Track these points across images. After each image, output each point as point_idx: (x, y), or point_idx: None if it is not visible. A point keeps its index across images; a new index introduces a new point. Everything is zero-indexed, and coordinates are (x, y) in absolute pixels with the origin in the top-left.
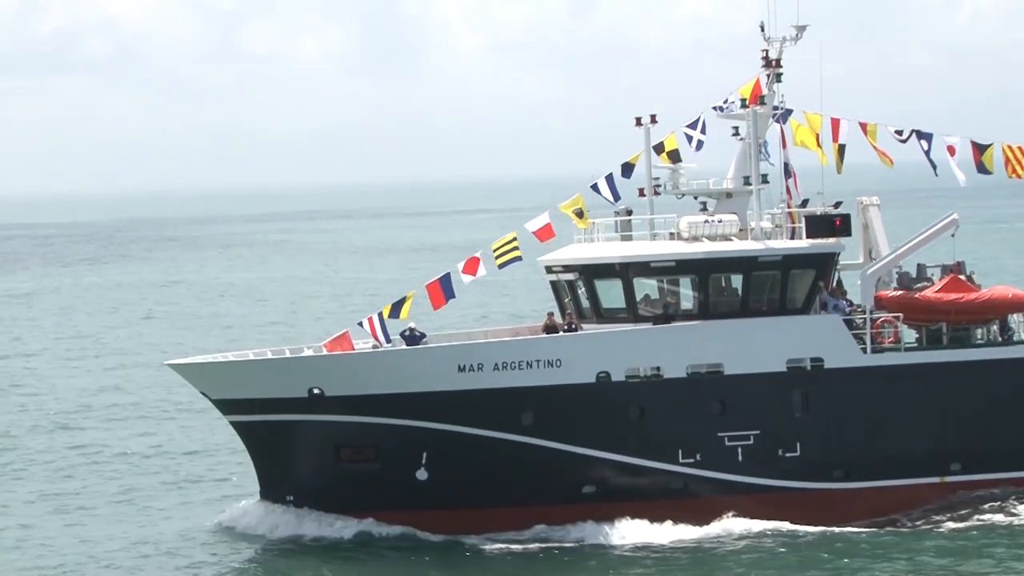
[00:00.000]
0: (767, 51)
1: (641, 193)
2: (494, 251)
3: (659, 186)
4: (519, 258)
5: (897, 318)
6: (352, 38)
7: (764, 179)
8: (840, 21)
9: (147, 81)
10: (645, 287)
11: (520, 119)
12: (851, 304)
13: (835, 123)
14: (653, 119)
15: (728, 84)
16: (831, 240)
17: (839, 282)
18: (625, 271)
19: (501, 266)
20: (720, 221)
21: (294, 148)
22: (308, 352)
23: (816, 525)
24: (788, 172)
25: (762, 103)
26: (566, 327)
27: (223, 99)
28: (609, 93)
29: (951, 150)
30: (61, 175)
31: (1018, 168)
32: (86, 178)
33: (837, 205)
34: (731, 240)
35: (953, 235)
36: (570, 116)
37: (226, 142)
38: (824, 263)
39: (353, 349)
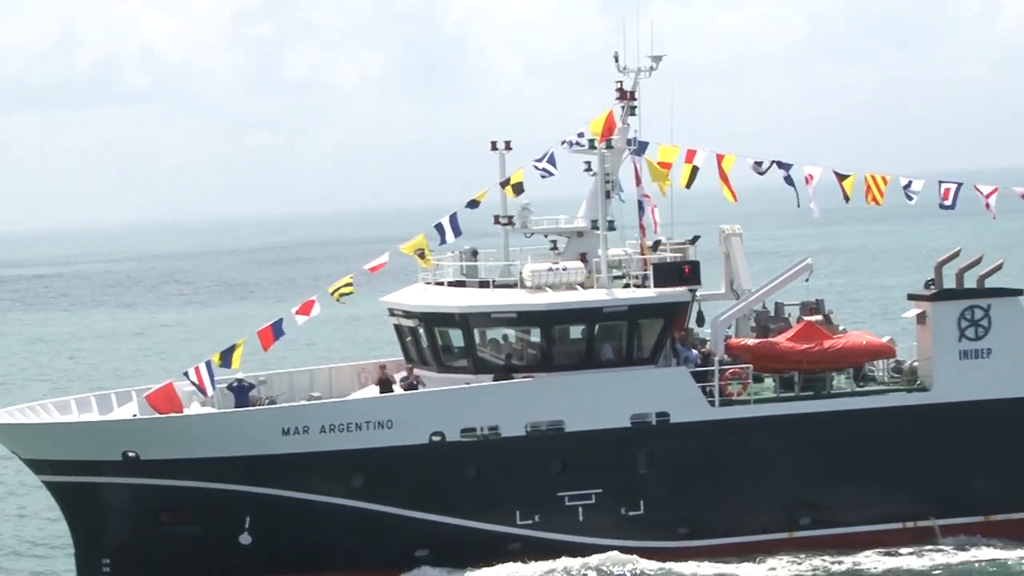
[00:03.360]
0: (621, 83)
1: (496, 221)
2: (331, 292)
3: (507, 223)
4: (351, 293)
5: (747, 369)
6: (390, 62)
7: (611, 225)
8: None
9: (188, 111)
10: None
11: (557, 138)
12: (702, 351)
13: (690, 155)
14: (508, 145)
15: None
16: (680, 288)
17: (689, 331)
18: (465, 321)
19: (338, 299)
20: (565, 269)
21: (335, 172)
22: (131, 403)
23: None
24: (642, 208)
25: (609, 147)
26: (405, 383)
27: (264, 127)
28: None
29: (809, 179)
30: (104, 206)
31: (877, 195)
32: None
33: (694, 240)
34: (576, 289)
35: (807, 280)
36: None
37: (266, 169)
38: (673, 312)
39: (177, 400)
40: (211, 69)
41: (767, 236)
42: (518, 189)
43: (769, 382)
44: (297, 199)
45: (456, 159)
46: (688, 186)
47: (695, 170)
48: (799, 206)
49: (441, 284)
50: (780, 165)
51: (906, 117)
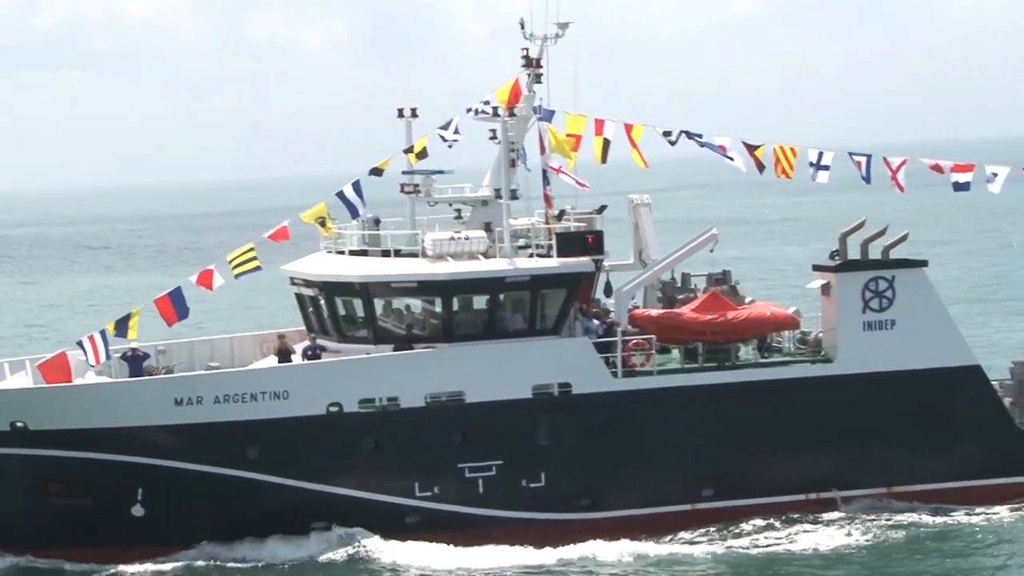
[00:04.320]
0: (527, 50)
1: (402, 189)
2: (230, 262)
3: (412, 192)
4: (258, 268)
5: (650, 339)
6: (355, 27)
7: (514, 194)
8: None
9: (150, 73)
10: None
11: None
12: (607, 322)
13: (599, 124)
14: (414, 113)
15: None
16: (583, 259)
17: (595, 301)
18: (365, 290)
19: (238, 276)
20: (467, 239)
21: (298, 136)
22: (23, 373)
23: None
24: (547, 177)
25: (511, 115)
26: (309, 351)
27: (227, 90)
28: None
29: (723, 148)
30: (63, 169)
31: (787, 168)
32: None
33: (601, 210)
34: (478, 258)
35: (712, 250)
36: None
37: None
38: (576, 282)
39: (69, 370)
40: (174, 33)
41: (701, 206)
42: (422, 156)
43: (676, 354)
44: (259, 164)
45: (420, 125)
46: (603, 160)
47: (607, 144)
48: (731, 160)
49: (343, 253)
50: (689, 135)
51: (872, 89)
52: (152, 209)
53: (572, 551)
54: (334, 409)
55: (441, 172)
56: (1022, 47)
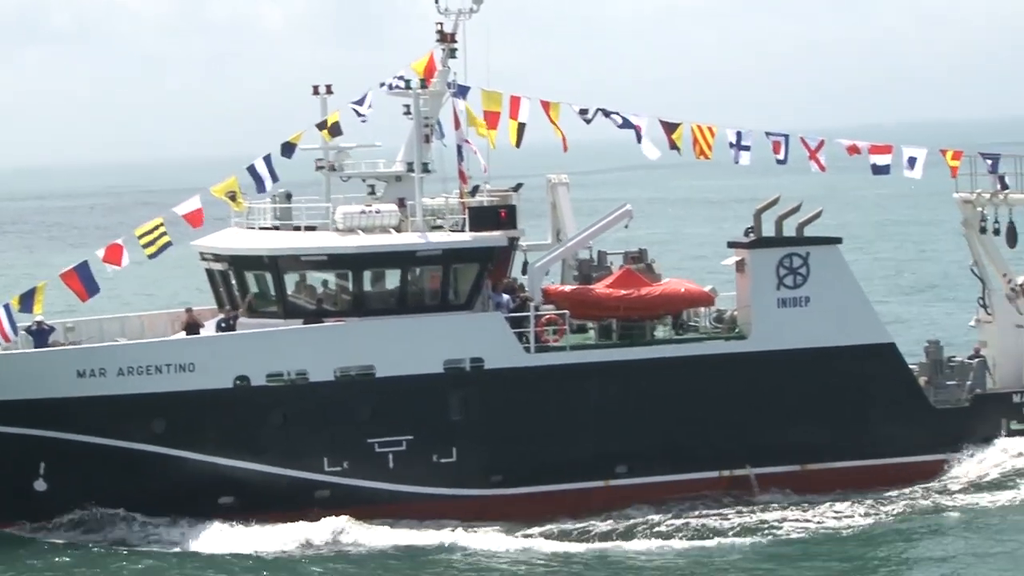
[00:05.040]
0: (441, 24)
1: (317, 166)
2: (138, 237)
3: (323, 167)
4: (169, 244)
5: (563, 315)
6: (316, 6)
7: (426, 168)
8: None
9: (111, 52)
10: (316, 277)
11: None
12: (523, 297)
13: (515, 101)
14: (328, 89)
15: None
16: (496, 233)
17: (512, 280)
18: (274, 264)
19: (151, 256)
20: (378, 212)
21: (261, 115)
22: None
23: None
24: (461, 153)
25: (422, 85)
26: (223, 323)
27: (188, 69)
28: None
29: (638, 128)
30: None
31: (705, 148)
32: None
33: (517, 187)
34: (390, 232)
35: (627, 226)
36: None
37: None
38: (489, 257)
39: None
40: (135, 11)
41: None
42: (335, 131)
43: (594, 334)
44: (220, 141)
45: (382, 107)
46: (518, 144)
47: (522, 127)
48: (639, 141)
49: (254, 229)
50: (606, 114)
51: (830, 71)
52: (104, 185)
53: (484, 527)
54: (241, 382)
55: (375, 146)
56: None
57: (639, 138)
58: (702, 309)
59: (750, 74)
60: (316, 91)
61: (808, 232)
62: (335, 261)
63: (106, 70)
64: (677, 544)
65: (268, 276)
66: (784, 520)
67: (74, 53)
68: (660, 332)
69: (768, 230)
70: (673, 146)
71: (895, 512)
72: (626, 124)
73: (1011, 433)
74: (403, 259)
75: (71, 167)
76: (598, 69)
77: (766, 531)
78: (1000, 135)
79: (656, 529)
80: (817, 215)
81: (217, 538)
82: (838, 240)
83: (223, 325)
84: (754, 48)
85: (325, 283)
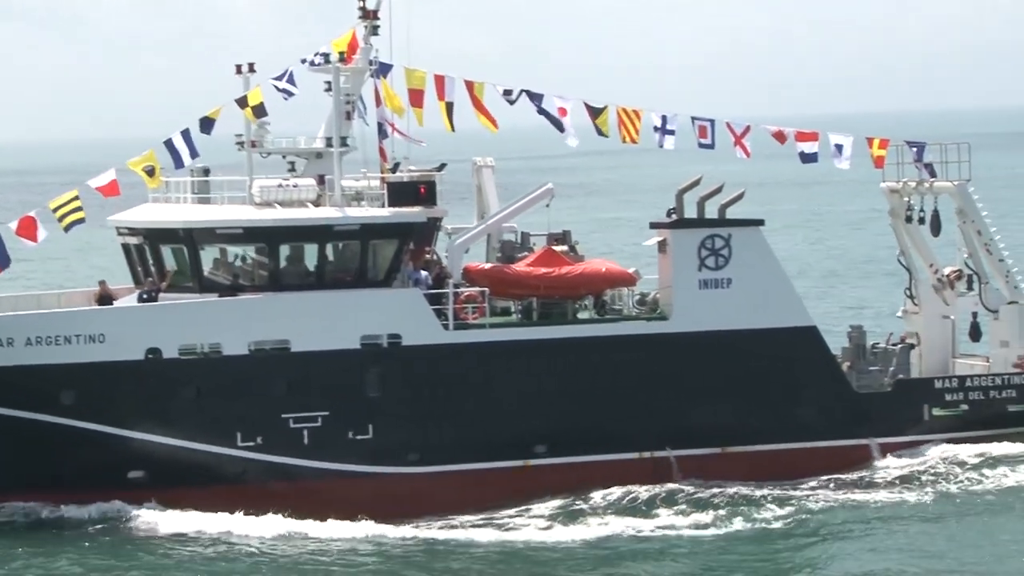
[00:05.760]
0: (364, 2)
1: (238, 142)
2: (53, 210)
3: (243, 143)
4: (83, 219)
5: (483, 292)
6: None
7: (344, 142)
8: None
9: (78, 32)
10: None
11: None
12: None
13: (439, 80)
14: (251, 68)
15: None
16: (415, 209)
17: (435, 258)
18: (189, 237)
19: (66, 228)
20: (295, 186)
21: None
22: None
23: (390, 512)
24: (384, 132)
25: (341, 59)
26: (144, 294)
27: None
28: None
29: (562, 112)
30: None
31: (631, 132)
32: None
33: (441, 167)
34: (307, 207)
35: (548, 205)
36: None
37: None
38: (408, 233)
39: None
40: None
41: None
42: (259, 112)
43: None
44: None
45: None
46: (452, 129)
47: (450, 107)
48: (561, 131)
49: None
50: (530, 95)
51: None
52: (69, 163)
53: (400, 504)
54: (152, 355)
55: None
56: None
57: (561, 127)
58: (625, 291)
59: (726, 62)
60: (239, 70)
61: (730, 214)
62: (251, 234)
63: (75, 49)
64: (590, 534)
65: (178, 249)
66: (702, 505)
67: (43, 32)
68: (585, 315)
69: (691, 211)
70: (598, 132)
71: (813, 497)
72: (542, 112)
73: (933, 419)
74: (320, 233)
75: (41, 144)
76: (571, 57)
77: (688, 512)
78: (972, 127)
79: (573, 517)
80: (739, 196)
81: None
82: (760, 222)
83: (144, 297)
84: (729, 35)
85: (243, 259)
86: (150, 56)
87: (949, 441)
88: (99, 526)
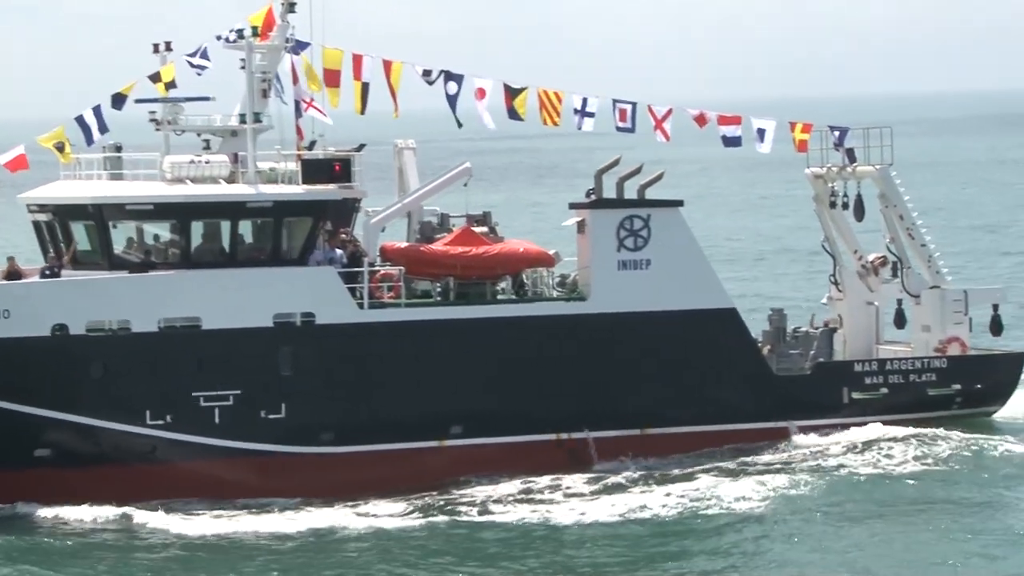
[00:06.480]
0: None
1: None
2: None
3: (157, 121)
4: None
5: (399, 271)
6: None
7: (257, 118)
8: None
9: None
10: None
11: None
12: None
13: (356, 60)
14: (168, 46)
15: None
16: (330, 186)
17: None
18: (99, 213)
19: None
20: (208, 162)
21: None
22: None
23: (304, 491)
24: (300, 110)
25: (254, 34)
26: (47, 270)
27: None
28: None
29: (481, 93)
30: None
31: (552, 114)
32: None
33: (361, 148)
34: (220, 183)
35: (466, 184)
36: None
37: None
38: (322, 210)
39: None
40: None
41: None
42: (171, 87)
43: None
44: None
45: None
46: (362, 111)
47: (365, 88)
48: (460, 127)
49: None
50: (449, 76)
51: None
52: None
53: (313, 485)
54: (59, 332)
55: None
56: None
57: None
58: (545, 272)
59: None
60: (156, 49)
61: (650, 195)
62: (161, 210)
63: (35, 27)
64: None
65: (88, 225)
66: (618, 488)
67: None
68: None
69: (610, 192)
70: (513, 113)
71: (730, 479)
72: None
73: (852, 402)
74: (233, 210)
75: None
76: (524, 43)
77: (602, 495)
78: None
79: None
80: (659, 177)
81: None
82: (680, 203)
83: (46, 273)
84: (678, 22)
85: (157, 237)
86: (111, 34)
87: (868, 424)
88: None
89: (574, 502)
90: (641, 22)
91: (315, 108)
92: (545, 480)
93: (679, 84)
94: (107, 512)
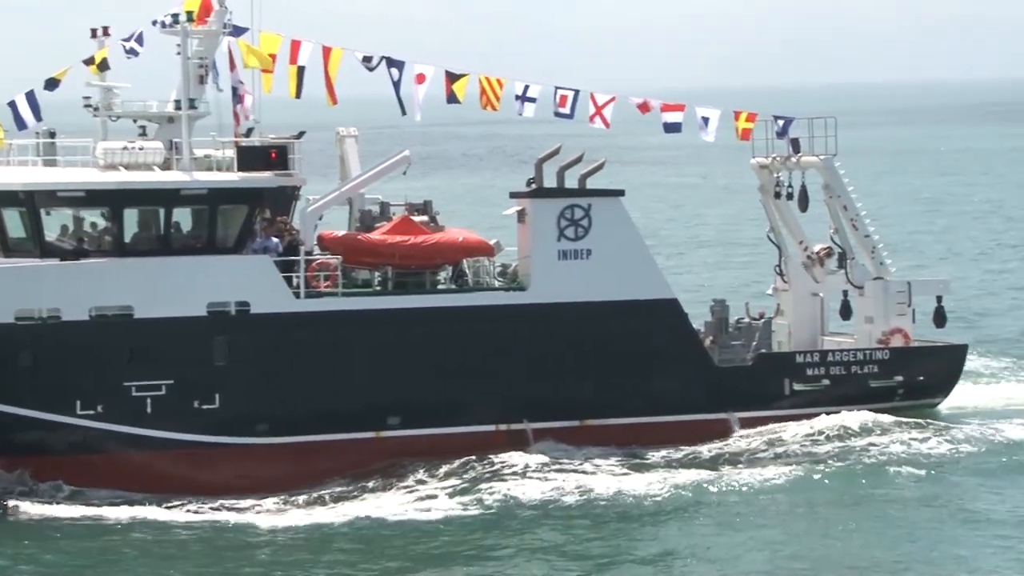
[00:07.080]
0: None
1: (86, 105)
2: None
3: (92, 107)
4: None
5: (336, 260)
6: None
7: (192, 104)
8: None
9: None
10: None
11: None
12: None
13: (295, 45)
14: (106, 31)
15: None
16: (266, 173)
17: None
18: (30, 200)
19: None
20: (141, 148)
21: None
22: None
23: (240, 483)
24: (236, 95)
25: (189, 19)
26: None
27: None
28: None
29: (420, 78)
30: None
31: (492, 100)
32: None
33: (300, 135)
34: (154, 170)
35: (405, 173)
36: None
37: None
38: (258, 198)
39: None
40: None
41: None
42: (103, 67)
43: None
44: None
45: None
46: (297, 95)
47: (301, 72)
48: (403, 113)
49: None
50: (390, 62)
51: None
52: None
53: (247, 476)
54: None
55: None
56: None
57: (403, 108)
58: (486, 261)
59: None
60: (94, 34)
61: (591, 184)
62: (94, 197)
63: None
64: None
65: (19, 212)
66: (558, 479)
67: None
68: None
69: (550, 181)
70: (452, 98)
71: (670, 471)
72: (395, 85)
73: (794, 393)
74: (166, 197)
75: None
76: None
77: (542, 485)
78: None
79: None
80: (600, 166)
81: None
82: (620, 192)
83: None
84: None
85: (94, 225)
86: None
87: (810, 416)
88: None
89: (507, 491)
90: (611, 9)
91: (245, 90)
92: (480, 468)
93: (655, 71)
94: (85, 510)
